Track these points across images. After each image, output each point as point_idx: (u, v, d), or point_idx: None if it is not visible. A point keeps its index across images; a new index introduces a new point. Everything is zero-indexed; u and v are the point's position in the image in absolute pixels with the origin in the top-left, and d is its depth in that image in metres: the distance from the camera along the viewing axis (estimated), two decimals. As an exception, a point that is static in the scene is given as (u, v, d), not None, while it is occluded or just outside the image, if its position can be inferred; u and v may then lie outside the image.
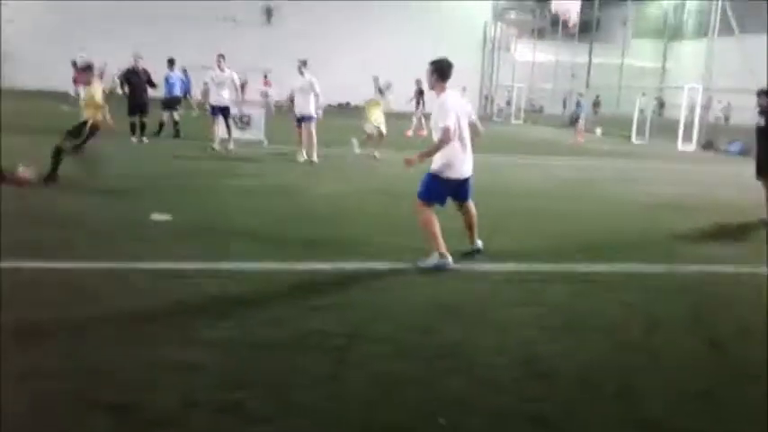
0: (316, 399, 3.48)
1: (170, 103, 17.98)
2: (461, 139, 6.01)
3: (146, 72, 16.28)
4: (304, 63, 13.59)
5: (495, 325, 4.73)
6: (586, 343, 4.50)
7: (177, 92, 18.51)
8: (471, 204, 6.34)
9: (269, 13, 43.68)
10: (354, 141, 15.17)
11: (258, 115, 17.28)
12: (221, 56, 15.14)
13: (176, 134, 17.23)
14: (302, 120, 13.57)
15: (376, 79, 15.62)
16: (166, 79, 18.00)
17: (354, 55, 39.03)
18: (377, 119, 14.89)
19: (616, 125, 29.07)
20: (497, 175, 12.69)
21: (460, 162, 6.03)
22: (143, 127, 15.80)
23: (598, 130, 28.93)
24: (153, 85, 16.60)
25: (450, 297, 5.28)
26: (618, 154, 20.43)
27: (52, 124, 12.02)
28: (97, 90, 9.94)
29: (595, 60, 37.45)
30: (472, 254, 6.35)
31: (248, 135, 16.63)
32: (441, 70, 6.03)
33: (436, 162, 6.02)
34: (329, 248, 6.58)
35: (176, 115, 17.84)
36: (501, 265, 6.27)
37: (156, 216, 7.55)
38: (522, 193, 11.17)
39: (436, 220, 6.01)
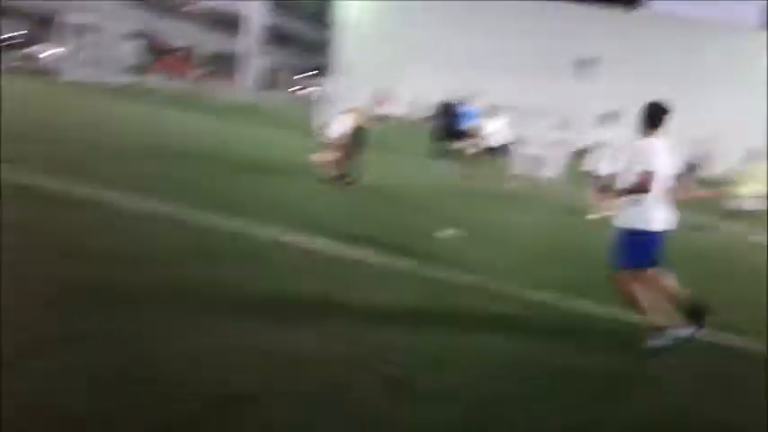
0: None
1: (460, 135, 19.09)
2: (657, 190, 5.08)
3: (458, 105, 17.34)
4: (612, 115, 12.38)
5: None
6: None
7: (468, 124, 19.51)
8: (660, 273, 5.21)
9: (582, 65, 43.82)
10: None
11: (556, 156, 17.46)
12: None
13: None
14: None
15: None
16: (460, 112, 19.23)
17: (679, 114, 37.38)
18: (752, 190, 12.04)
19: None
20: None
21: (651, 211, 5.07)
22: (447, 153, 16.91)
23: None
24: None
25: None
26: None
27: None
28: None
29: None
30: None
31: (541, 173, 16.94)
32: (651, 116, 5.22)
33: (621, 214, 5.24)
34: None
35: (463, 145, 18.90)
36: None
37: (442, 233, 8.18)
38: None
39: (640, 287, 5.12)
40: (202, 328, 4.04)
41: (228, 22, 45.54)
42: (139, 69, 32.45)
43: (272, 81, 49.05)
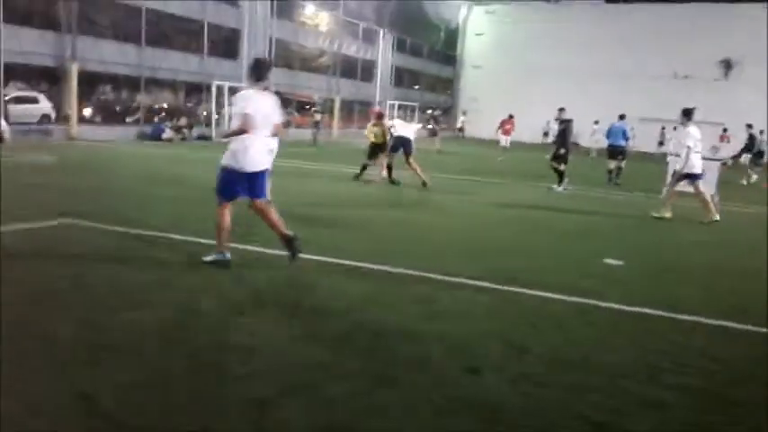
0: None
1: (613, 153, 18.99)
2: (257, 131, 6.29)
3: (570, 122, 16.53)
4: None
5: None
6: None
7: (620, 141, 19.08)
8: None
9: (727, 66, 41.55)
10: None
11: (711, 170, 16.46)
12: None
13: (611, 182, 18.28)
14: None
15: None
16: (610, 130, 19.13)
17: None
18: None
19: None
20: None
21: (247, 153, 6.28)
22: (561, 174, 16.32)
23: None
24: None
25: None
26: None
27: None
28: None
29: None
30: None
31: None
32: (255, 69, 6.59)
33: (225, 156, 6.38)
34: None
35: (620, 164, 18.80)
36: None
37: (610, 261, 7.92)
38: None
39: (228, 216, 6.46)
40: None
41: (359, 70, 46.84)
42: (284, 124, 33.88)
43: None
